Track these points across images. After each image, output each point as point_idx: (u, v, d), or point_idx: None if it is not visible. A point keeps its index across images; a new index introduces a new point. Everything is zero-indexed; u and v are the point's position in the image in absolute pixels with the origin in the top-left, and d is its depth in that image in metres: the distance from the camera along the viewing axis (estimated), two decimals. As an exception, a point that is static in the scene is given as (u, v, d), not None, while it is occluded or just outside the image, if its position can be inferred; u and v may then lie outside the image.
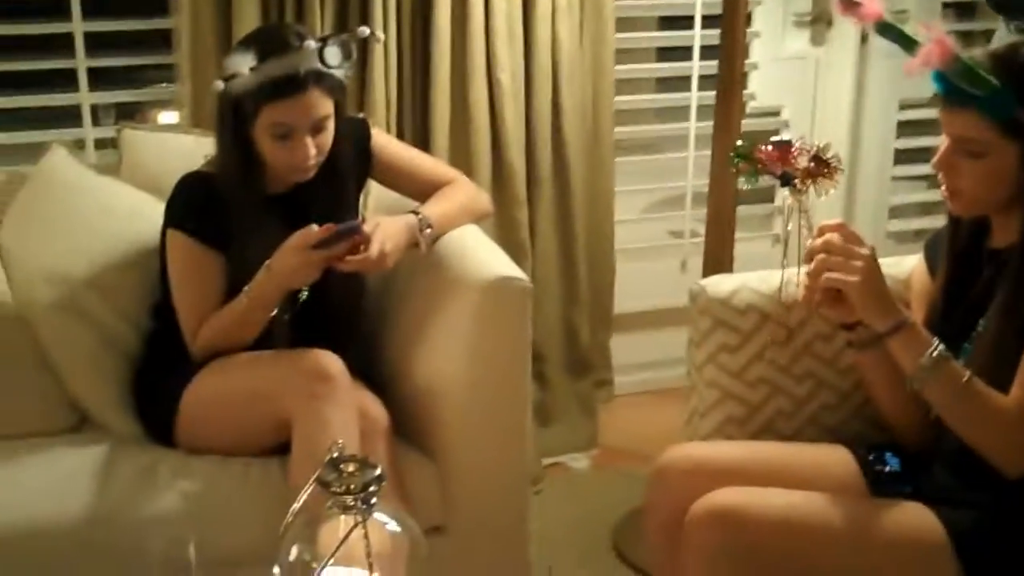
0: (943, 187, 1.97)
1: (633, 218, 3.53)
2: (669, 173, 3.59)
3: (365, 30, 2.42)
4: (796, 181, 2.05)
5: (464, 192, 2.57)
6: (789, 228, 2.07)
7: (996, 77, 1.85)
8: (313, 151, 2.31)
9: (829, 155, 2.06)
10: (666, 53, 3.67)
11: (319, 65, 2.27)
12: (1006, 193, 1.91)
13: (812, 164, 2.05)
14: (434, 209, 2.46)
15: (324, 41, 2.30)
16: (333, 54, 2.30)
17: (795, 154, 2.05)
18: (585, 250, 3.27)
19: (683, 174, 3.52)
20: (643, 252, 3.54)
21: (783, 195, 2.10)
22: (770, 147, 2.05)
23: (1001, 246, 1.98)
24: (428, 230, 2.41)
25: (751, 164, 2.07)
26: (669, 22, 3.66)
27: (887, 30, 1.95)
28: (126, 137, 2.74)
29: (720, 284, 2.27)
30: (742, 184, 2.12)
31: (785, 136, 2.08)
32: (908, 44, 1.91)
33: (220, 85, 2.31)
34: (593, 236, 3.30)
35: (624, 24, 3.32)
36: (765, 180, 2.10)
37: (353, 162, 2.47)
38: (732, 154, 2.10)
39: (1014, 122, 1.85)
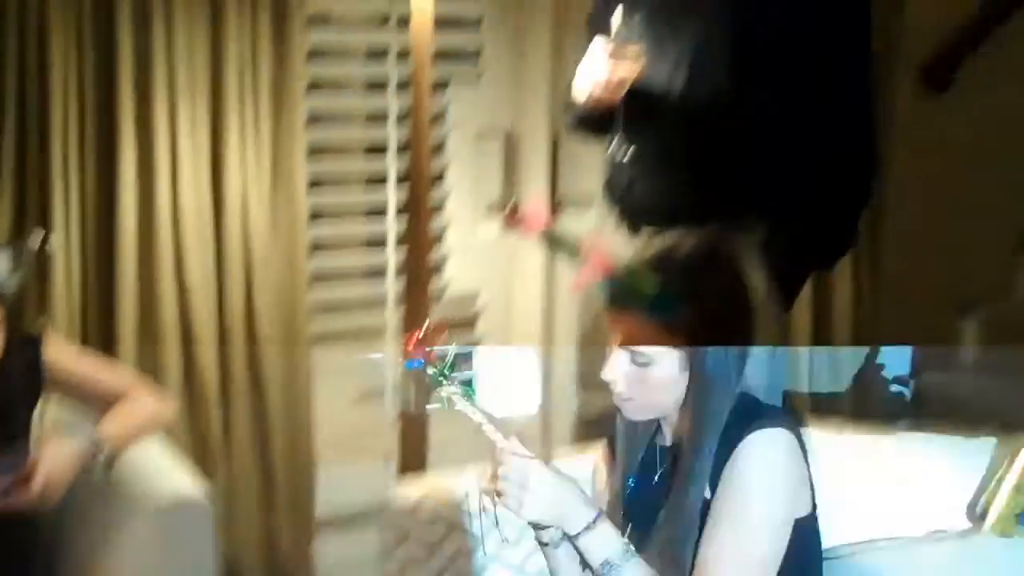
0: (614, 395, 2.01)
1: (335, 413, 3.47)
2: (373, 365, 3.56)
3: (37, 239, 2.33)
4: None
5: (144, 404, 2.47)
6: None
7: (657, 279, 1.91)
8: None
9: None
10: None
11: None
12: (673, 397, 1.97)
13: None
14: (110, 428, 2.36)
15: None
16: (2, 262, 2.21)
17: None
18: (283, 452, 3.19)
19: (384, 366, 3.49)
20: (346, 449, 3.47)
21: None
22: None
23: (672, 443, 2.03)
24: (103, 453, 2.30)
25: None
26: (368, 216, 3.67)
27: (552, 243, 1.99)
28: None
29: (408, 493, 2.25)
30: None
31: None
32: (573, 254, 1.96)
33: None
34: (291, 436, 3.21)
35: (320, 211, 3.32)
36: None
37: (23, 380, 2.35)
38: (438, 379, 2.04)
39: (677, 324, 1.91)
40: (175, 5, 2.90)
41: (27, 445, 2.31)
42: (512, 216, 1.99)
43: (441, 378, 1.91)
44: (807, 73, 2.61)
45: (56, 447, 2.24)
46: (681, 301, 1.90)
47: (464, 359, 2.12)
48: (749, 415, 1.95)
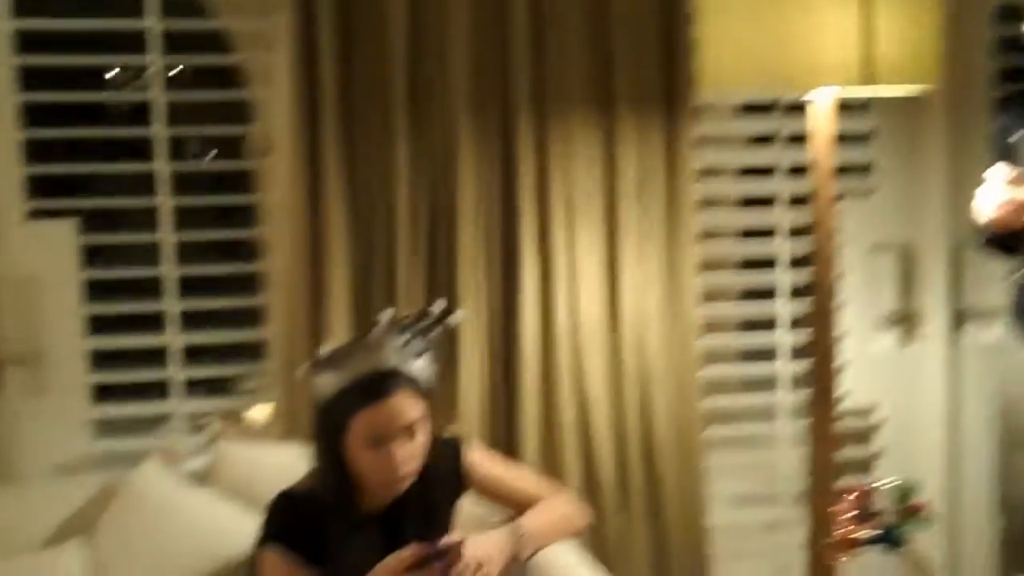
0: None
1: (728, 523, 3.43)
2: (762, 469, 3.52)
3: (456, 316, 2.44)
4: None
5: (563, 507, 2.56)
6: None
7: None
8: (408, 456, 2.28)
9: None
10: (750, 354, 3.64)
11: (402, 364, 2.28)
12: None
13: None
14: (531, 524, 2.43)
15: (408, 340, 2.32)
16: (416, 349, 2.32)
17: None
18: (678, 558, 3.18)
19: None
20: (744, 553, 3.43)
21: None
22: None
23: None
24: (526, 548, 2.37)
25: None
26: (752, 325, 3.64)
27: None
28: (220, 449, 2.82)
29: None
30: None
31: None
32: None
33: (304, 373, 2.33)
34: (686, 542, 3.20)
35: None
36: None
37: (446, 481, 2.46)
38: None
39: None
40: (573, 129, 3.04)
41: (453, 539, 2.40)
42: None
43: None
44: None
45: (482, 537, 2.31)
46: None
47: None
48: None
